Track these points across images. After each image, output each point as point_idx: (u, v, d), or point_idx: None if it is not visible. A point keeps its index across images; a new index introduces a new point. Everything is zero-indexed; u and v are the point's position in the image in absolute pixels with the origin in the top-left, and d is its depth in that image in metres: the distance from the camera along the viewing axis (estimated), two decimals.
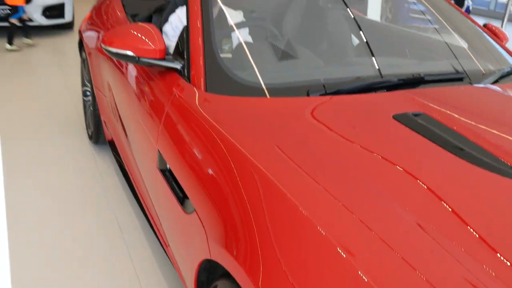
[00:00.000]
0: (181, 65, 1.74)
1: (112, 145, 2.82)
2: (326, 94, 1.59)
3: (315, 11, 2.39)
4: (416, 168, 1.20)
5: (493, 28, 2.47)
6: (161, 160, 1.62)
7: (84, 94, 3.38)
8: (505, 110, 1.66)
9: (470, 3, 9.26)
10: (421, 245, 0.94)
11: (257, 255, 1.01)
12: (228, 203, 1.18)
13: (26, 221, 2.40)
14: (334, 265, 0.91)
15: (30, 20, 6.05)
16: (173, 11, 2.39)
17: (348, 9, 2.13)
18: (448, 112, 1.54)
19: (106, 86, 2.61)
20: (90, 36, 3.02)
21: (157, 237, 1.95)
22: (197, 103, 1.55)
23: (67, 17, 6.68)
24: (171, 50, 1.98)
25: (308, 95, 1.58)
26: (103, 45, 1.78)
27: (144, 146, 1.87)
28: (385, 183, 1.13)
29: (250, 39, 2.09)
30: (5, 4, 5.86)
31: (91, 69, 2.97)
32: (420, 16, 2.58)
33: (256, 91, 1.58)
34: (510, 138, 1.42)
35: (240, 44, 1.90)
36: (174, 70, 1.77)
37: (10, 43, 5.72)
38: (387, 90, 1.67)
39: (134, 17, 2.83)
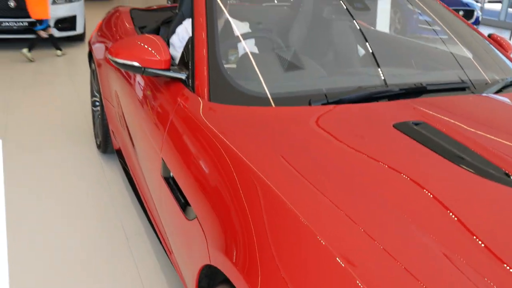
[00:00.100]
0: (186, 75, 1.77)
1: (119, 154, 2.86)
2: (328, 103, 1.61)
3: (316, 21, 2.42)
4: (415, 177, 1.20)
5: (498, 38, 2.48)
6: (165, 168, 1.65)
7: (93, 104, 3.44)
8: (507, 119, 1.66)
9: (480, 13, 9.25)
10: (422, 253, 0.95)
11: (255, 262, 1.02)
12: (229, 210, 1.19)
13: (35, 230, 2.44)
14: (333, 274, 0.91)
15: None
16: (180, 23, 2.44)
17: (352, 19, 2.15)
18: (450, 121, 1.55)
19: (114, 96, 2.66)
20: (99, 48, 3.08)
21: (161, 243, 1.97)
22: (200, 112, 1.58)
23: (79, 29, 6.82)
24: (178, 61, 2.02)
25: (310, 104, 1.60)
26: (110, 56, 1.82)
27: (149, 155, 1.91)
28: (384, 192, 1.14)
29: (253, 50, 2.12)
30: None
31: (100, 80, 3.02)
32: (426, 26, 2.60)
33: (258, 100, 1.61)
34: (510, 146, 1.42)
35: (243, 55, 1.94)
36: (179, 80, 1.80)
37: (30, 50, 5.89)
38: (389, 100, 1.68)
39: (142, 29, 2.89)
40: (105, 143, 3.17)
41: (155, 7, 3.57)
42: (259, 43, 2.18)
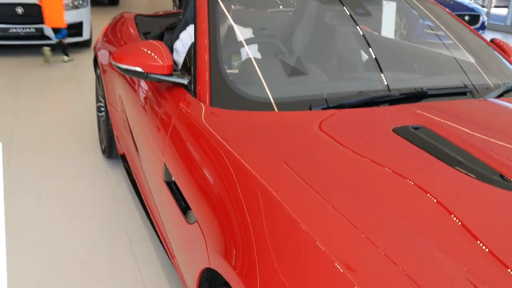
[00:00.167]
0: (188, 80, 1.79)
1: (123, 159, 2.88)
2: (329, 108, 1.62)
3: (319, 26, 2.43)
4: (413, 181, 1.21)
5: (500, 43, 2.48)
6: (167, 172, 1.67)
7: (98, 109, 3.47)
8: (507, 123, 1.66)
9: (486, 18, 9.23)
10: (422, 258, 0.95)
11: (254, 266, 1.03)
12: (229, 214, 1.21)
13: (36, 232, 2.46)
14: (332, 279, 0.92)
15: (49, 38, 6.27)
16: (184, 28, 2.47)
17: (355, 25, 2.17)
18: (449, 125, 1.55)
19: (119, 101, 2.68)
20: (104, 53, 3.12)
21: (163, 247, 1.99)
22: (202, 117, 1.60)
23: (85, 35, 6.88)
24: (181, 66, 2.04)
25: (310, 109, 1.61)
26: (113, 62, 1.84)
27: (152, 159, 1.93)
28: (383, 196, 1.14)
29: (255, 55, 2.14)
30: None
31: (105, 85, 3.05)
32: (428, 31, 2.60)
33: (260, 105, 1.62)
34: (510, 150, 1.43)
35: (245, 60, 1.95)
36: (181, 85, 1.82)
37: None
38: (390, 104, 1.69)
39: (146, 35, 2.91)
40: (110, 148, 3.20)
41: (161, 13, 3.61)
42: (261, 48, 2.19)
